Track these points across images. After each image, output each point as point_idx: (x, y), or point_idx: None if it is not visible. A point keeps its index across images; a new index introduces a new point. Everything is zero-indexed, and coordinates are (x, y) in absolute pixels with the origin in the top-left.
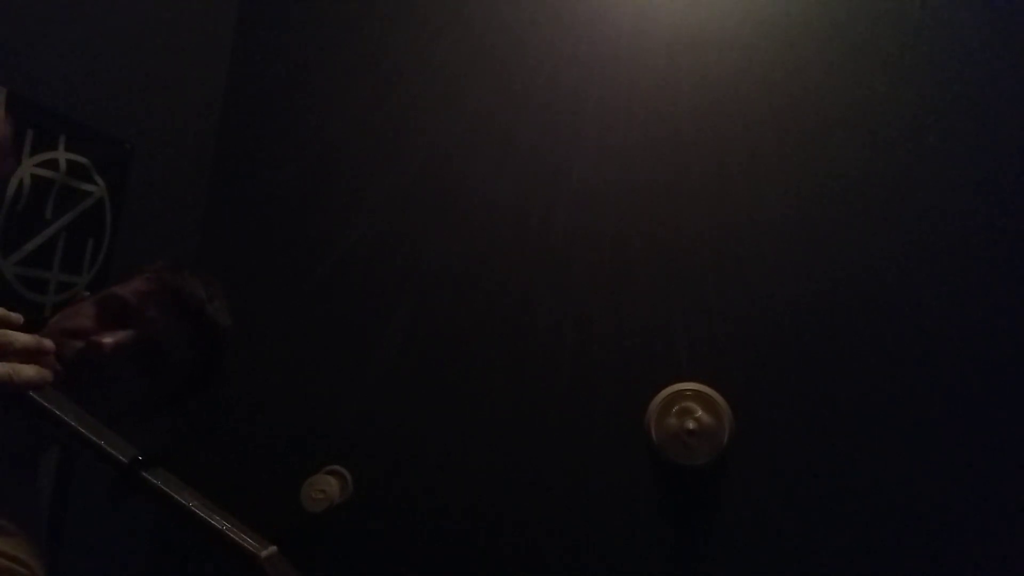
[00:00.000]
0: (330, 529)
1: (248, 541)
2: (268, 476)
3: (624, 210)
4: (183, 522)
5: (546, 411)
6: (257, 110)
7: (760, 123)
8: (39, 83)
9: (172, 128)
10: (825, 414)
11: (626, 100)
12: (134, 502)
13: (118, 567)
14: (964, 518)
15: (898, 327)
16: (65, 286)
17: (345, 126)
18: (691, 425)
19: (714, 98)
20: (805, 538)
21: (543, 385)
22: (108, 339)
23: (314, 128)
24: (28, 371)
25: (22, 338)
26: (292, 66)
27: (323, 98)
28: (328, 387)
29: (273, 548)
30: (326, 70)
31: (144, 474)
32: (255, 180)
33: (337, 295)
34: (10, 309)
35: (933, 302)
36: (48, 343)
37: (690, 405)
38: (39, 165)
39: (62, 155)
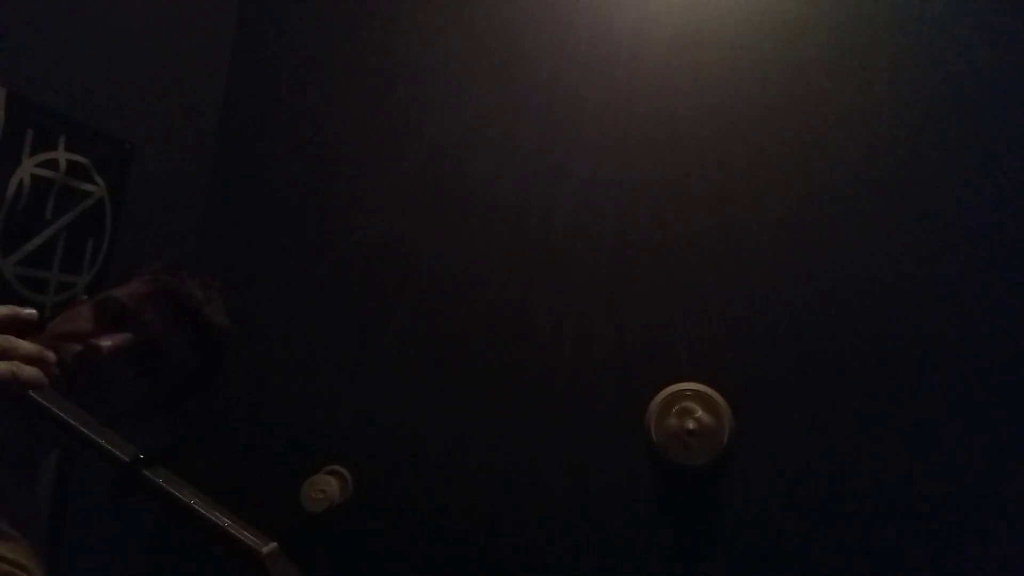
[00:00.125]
0: (330, 529)
1: (249, 538)
2: (268, 476)
3: (624, 210)
4: (184, 520)
5: (546, 411)
6: (257, 110)
7: (760, 123)
8: (39, 83)
9: (172, 128)
10: (825, 414)
11: (626, 100)
12: (134, 501)
13: (118, 567)
14: (964, 518)
15: (898, 327)
16: (65, 286)
17: (345, 126)
18: (691, 425)
19: (714, 98)
20: (805, 538)
21: (543, 385)
22: (106, 342)
23: (314, 128)
24: (30, 371)
25: (25, 346)
26: (292, 66)
27: (323, 98)
28: (328, 387)
29: (274, 544)
30: (326, 70)
31: (145, 472)
32: (255, 180)
33: (337, 295)
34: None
35: (933, 302)
36: (50, 354)
37: (690, 405)
38: (39, 165)
39: (62, 155)
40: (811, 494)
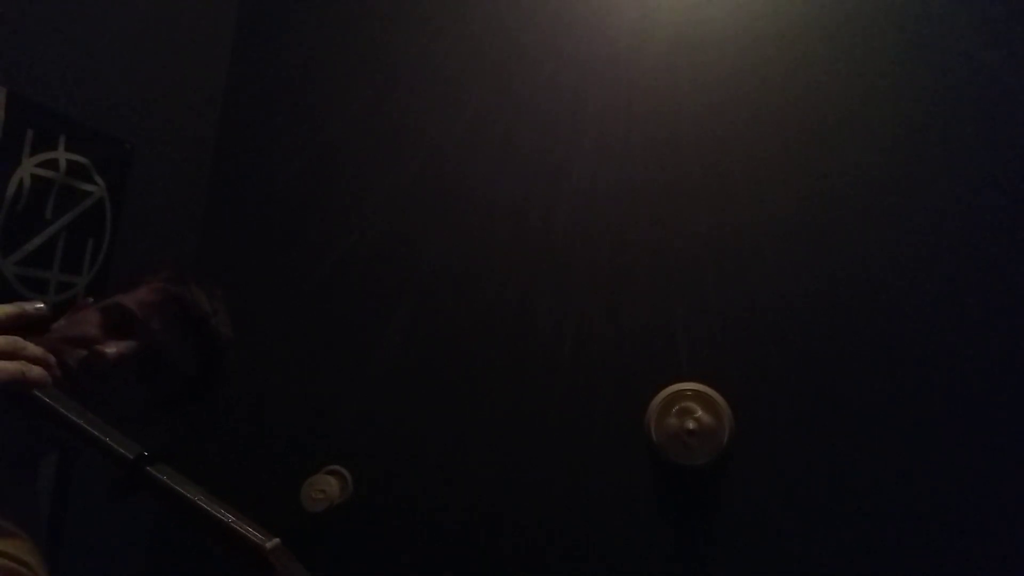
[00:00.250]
0: (330, 529)
1: (253, 533)
2: (268, 476)
3: (624, 210)
4: (188, 517)
5: (546, 411)
6: (257, 110)
7: (760, 123)
8: (39, 83)
9: (172, 128)
10: (825, 414)
11: (626, 100)
12: (135, 500)
13: (118, 567)
14: (964, 518)
15: (898, 327)
16: (65, 286)
17: (345, 126)
18: (691, 425)
19: (714, 98)
20: (805, 538)
21: (543, 385)
22: (112, 349)
23: (314, 128)
24: (37, 371)
25: (31, 348)
26: (292, 66)
27: (323, 98)
28: (328, 387)
29: (277, 540)
30: (326, 70)
31: (150, 470)
32: (255, 180)
33: (337, 295)
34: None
35: (933, 302)
36: (51, 358)
37: (690, 405)
38: (39, 165)
39: (62, 155)
40: (811, 494)
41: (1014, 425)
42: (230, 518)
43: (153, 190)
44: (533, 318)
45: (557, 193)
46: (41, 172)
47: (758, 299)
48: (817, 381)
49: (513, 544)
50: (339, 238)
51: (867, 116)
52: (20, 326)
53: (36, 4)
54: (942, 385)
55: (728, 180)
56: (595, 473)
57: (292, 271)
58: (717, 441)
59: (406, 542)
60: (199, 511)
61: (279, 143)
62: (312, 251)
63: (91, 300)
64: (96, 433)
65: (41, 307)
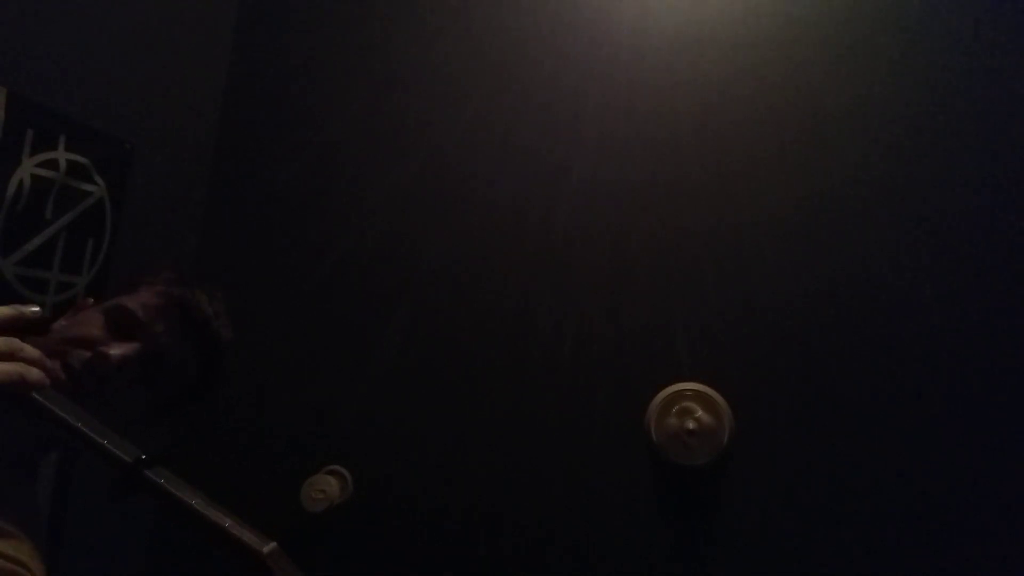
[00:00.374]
0: (330, 529)
1: (250, 537)
2: (268, 476)
3: (624, 210)
4: (186, 520)
5: (546, 411)
6: (257, 110)
7: (760, 123)
8: (39, 83)
9: (172, 128)
10: (825, 414)
11: (626, 100)
12: (135, 501)
13: (118, 567)
14: (964, 518)
15: (898, 327)
16: (65, 286)
17: (345, 126)
18: (691, 425)
19: (714, 98)
20: (805, 538)
21: (543, 385)
22: (115, 351)
23: (314, 128)
24: (36, 372)
25: (29, 348)
26: (292, 66)
27: (323, 98)
28: (328, 387)
29: (274, 544)
30: (326, 70)
31: (147, 473)
32: (255, 180)
33: (337, 295)
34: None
35: (933, 302)
36: (48, 362)
37: (690, 405)
38: (39, 165)
39: (62, 155)
40: (811, 494)
41: (1014, 425)
42: (227, 522)
43: (153, 190)
44: (533, 318)
45: (557, 193)
46: (41, 172)
47: (758, 299)
48: (817, 381)
49: (513, 544)
50: (339, 238)
51: (867, 116)
52: (18, 328)
53: (36, 4)
54: (942, 385)
55: (728, 180)
56: (595, 473)
57: (292, 271)
58: (717, 441)
59: (406, 542)
60: (197, 515)
61: (279, 143)
62: (312, 251)
63: (91, 301)
64: (94, 436)
65: (37, 310)
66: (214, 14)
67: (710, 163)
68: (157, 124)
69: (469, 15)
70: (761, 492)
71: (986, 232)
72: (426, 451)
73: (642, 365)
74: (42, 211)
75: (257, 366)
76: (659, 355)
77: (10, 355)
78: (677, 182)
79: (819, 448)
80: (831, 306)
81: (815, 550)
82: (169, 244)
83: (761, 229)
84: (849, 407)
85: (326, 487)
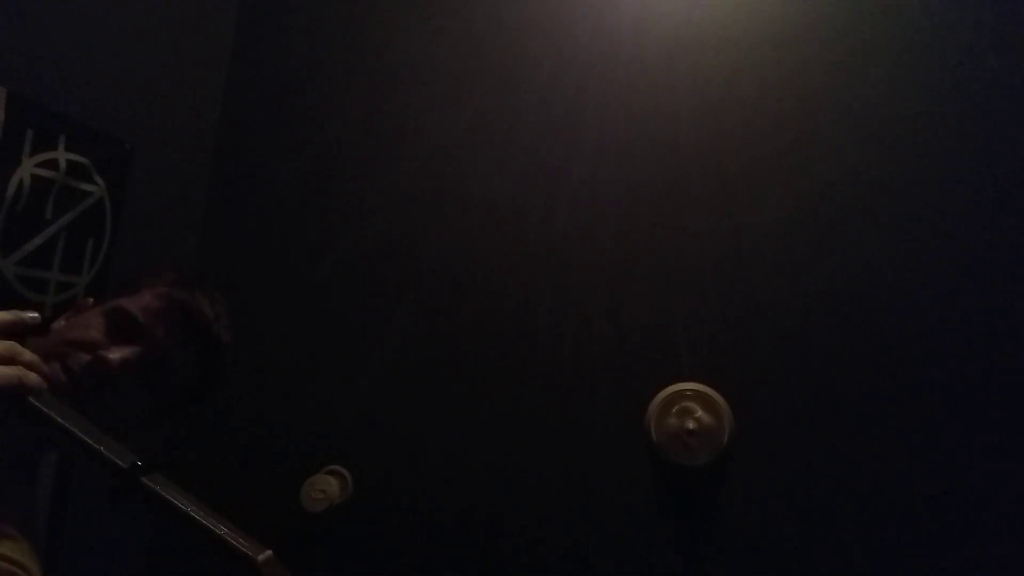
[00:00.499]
0: (330, 529)
1: (245, 545)
2: (268, 476)
3: (624, 210)
4: (181, 527)
5: (546, 411)
6: (257, 110)
7: (760, 123)
8: (39, 83)
9: (172, 128)
10: (825, 414)
11: (626, 100)
12: (133, 504)
13: (118, 567)
14: (964, 518)
15: (898, 327)
16: (65, 286)
17: (345, 126)
18: (691, 425)
19: (714, 98)
20: (805, 538)
21: (543, 385)
22: (116, 355)
23: (314, 128)
24: (34, 376)
25: (28, 354)
26: (292, 66)
27: (323, 98)
28: (328, 387)
29: (269, 552)
30: (326, 70)
31: (143, 479)
32: (255, 180)
33: (337, 295)
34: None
35: (933, 302)
36: (45, 368)
37: (690, 405)
38: (39, 165)
39: (62, 155)
40: (811, 494)
41: (1014, 425)
42: (223, 529)
43: (153, 190)
44: (533, 318)
45: (557, 193)
46: (41, 172)
47: (758, 299)
48: (817, 381)
49: (513, 544)
50: (339, 238)
51: (867, 116)
52: (16, 332)
53: (36, 4)
54: (942, 385)
55: (728, 180)
56: (595, 473)
57: (292, 271)
58: (717, 441)
59: (406, 542)
60: (192, 522)
61: (279, 143)
62: (312, 251)
63: (91, 301)
64: (90, 441)
65: (36, 316)
66: (214, 14)
67: (710, 163)
68: (157, 124)
69: (469, 15)
70: (761, 492)
71: (986, 232)
72: (426, 451)
73: (642, 365)
74: (42, 211)
75: (257, 366)
76: (659, 355)
77: (10, 359)
78: (677, 182)
79: (819, 448)
80: (831, 306)
81: (815, 550)
82: (169, 244)
83: (761, 229)
84: (849, 407)
85: (326, 487)
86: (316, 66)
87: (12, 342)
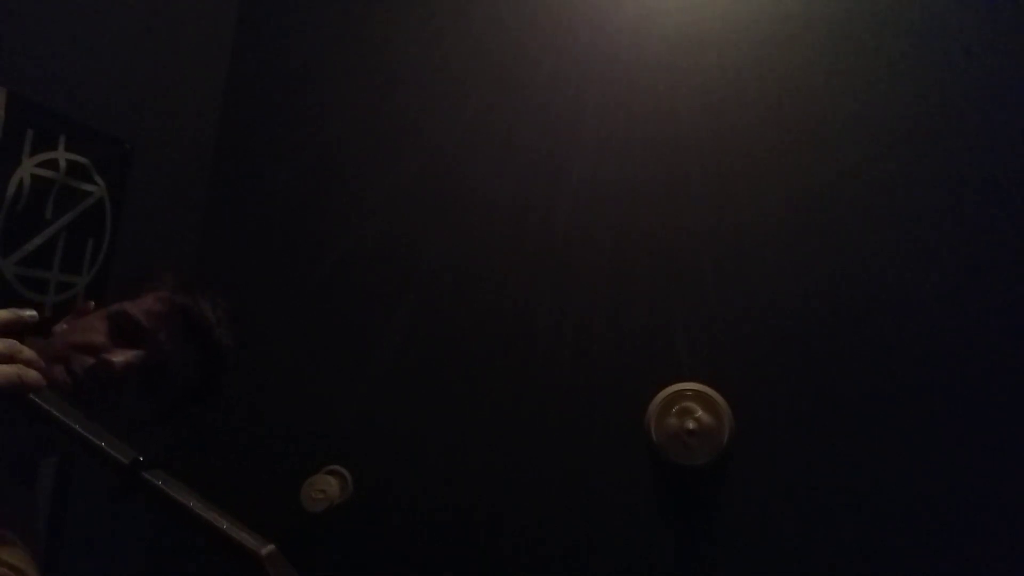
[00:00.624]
0: (330, 529)
1: (248, 539)
2: (268, 476)
3: (624, 210)
4: (183, 523)
5: (546, 411)
6: (257, 110)
7: (760, 123)
8: (39, 83)
9: (172, 128)
10: (825, 414)
11: (626, 100)
12: (134, 502)
13: (118, 567)
14: (964, 518)
15: (898, 327)
16: (65, 286)
17: (345, 126)
18: (691, 425)
19: (714, 98)
20: (805, 538)
21: (543, 385)
22: (119, 358)
23: (314, 128)
24: (34, 374)
25: (27, 352)
26: (292, 66)
27: (323, 98)
28: (328, 387)
29: (272, 546)
30: (326, 70)
31: (145, 475)
32: (255, 180)
33: (337, 295)
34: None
35: (933, 302)
36: (43, 364)
37: (690, 405)
38: (39, 165)
39: (62, 155)
40: (811, 494)
41: (1014, 425)
42: (225, 524)
43: (153, 190)
44: (533, 318)
45: (557, 193)
46: (41, 172)
47: (758, 299)
48: (817, 381)
49: (513, 544)
50: (339, 238)
51: (867, 116)
52: (15, 331)
53: (36, 4)
54: (942, 385)
55: (728, 180)
56: (595, 473)
57: (292, 271)
58: (717, 441)
59: (406, 542)
60: (194, 517)
61: (279, 143)
62: (312, 251)
63: (93, 305)
64: (91, 438)
65: (35, 314)
66: (214, 14)
67: (710, 163)
68: (157, 124)
69: (469, 15)
70: (761, 492)
71: (986, 232)
72: (426, 451)
73: (642, 365)
74: (42, 211)
75: (257, 366)
76: (659, 355)
77: (9, 357)
78: (677, 182)
79: (819, 448)
80: (831, 306)
81: (815, 550)
82: (169, 244)
83: (761, 229)
84: (849, 407)
85: (326, 487)
86: (316, 66)
87: (12, 340)
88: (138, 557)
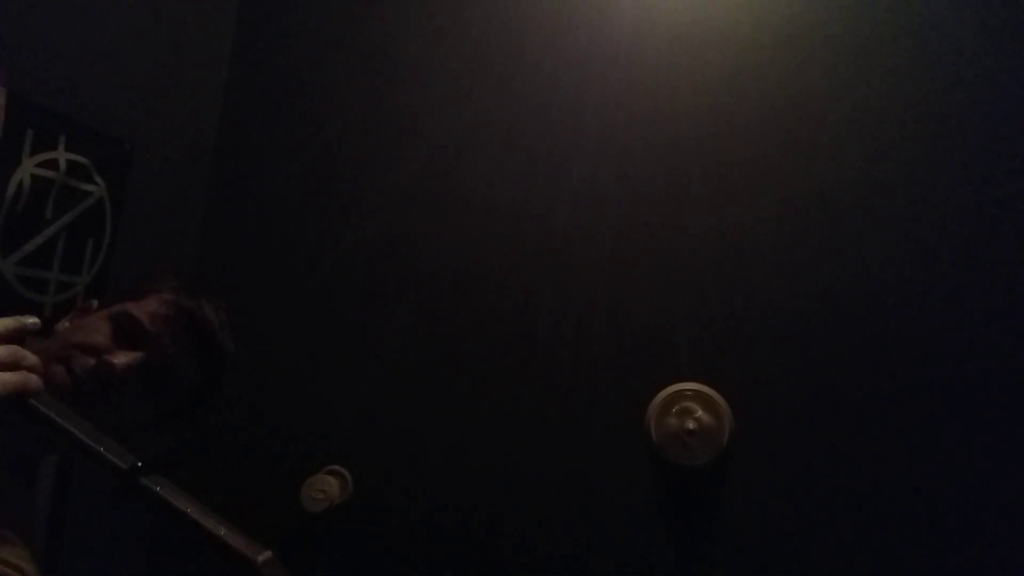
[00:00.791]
0: (330, 529)
1: (245, 546)
2: (268, 476)
3: (624, 210)
4: (182, 527)
5: (546, 411)
6: (257, 110)
7: (760, 123)
8: (39, 83)
9: (172, 128)
10: (825, 414)
11: (626, 100)
12: (134, 506)
13: (118, 567)
14: (964, 518)
15: (898, 327)
16: (65, 286)
17: (345, 126)
18: (691, 425)
19: (714, 98)
20: (805, 538)
21: (543, 385)
22: (121, 360)
23: (314, 128)
24: (34, 379)
25: (31, 358)
26: (292, 66)
27: (323, 98)
28: (328, 387)
29: (268, 553)
30: (326, 70)
31: (143, 480)
32: (255, 180)
33: (337, 295)
34: (10, 309)
35: (933, 302)
36: (43, 369)
37: (690, 405)
38: (39, 165)
39: (62, 155)
40: (811, 494)
41: (1014, 425)
42: (222, 530)
43: (153, 190)
44: (533, 318)
45: (557, 193)
46: (41, 172)
47: (758, 299)
48: (817, 381)
49: (513, 544)
50: (339, 238)
51: (867, 116)
52: (19, 338)
53: (36, 4)
54: (942, 385)
55: (728, 180)
56: (595, 473)
57: (292, 271)
58: (717, 441)
59: (406, 542)
60: (192, 523)
61: (279, 143)
62: (312, 251)
63: (95, 303)
64: (89, 442)
65: (37, 322)
66: (214, 14)
67: (710, 163)
68: (157, 124)
69: (469, 15)
70: (761, 492)
71: (986, 232)
72: (426, 451)
73: (642, 365)
74: (42, 211)
75: (257, 366)
76: (659, 355)
77: (14, 364)
78: (677, 182)
79: (819, 448)
80: (831, 306)
81: (815, 550)
82: (169, 244)
83: (761, 229)
84: (849, 407)
85: (326, 487)
86: (316, 66)
87: (15, 346)
88: (138, 557)
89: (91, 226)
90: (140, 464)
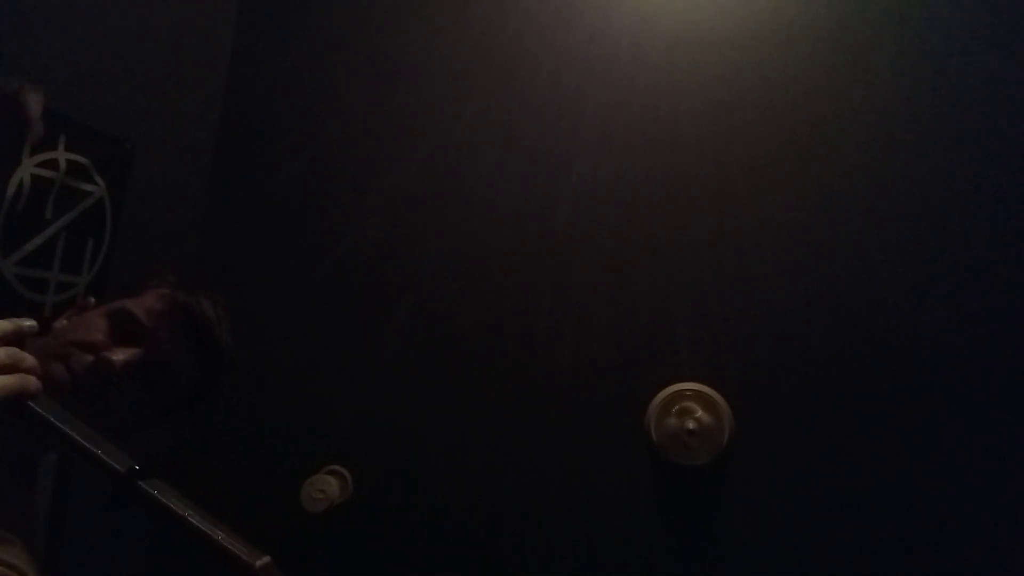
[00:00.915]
0: (330, 529)
1: (243, 551)
2: (268, 476)
3: (624, 210)
4: (180, 531)
5: (546, 411)
6: (257, 110)
7: (760, 123)
8: (39, 83)
9: (172, 128)
10: (825, 414)
11: (626, 100)
12: (132, 509)
13: (118, 567)
14: (964, 518)
15: (898, 327)
16: (65, 286)
17: (345, 126)
18: (691, 425)
19: (714, 98)
20: (805, 538)
21: (543, 385)
22: (119, 357)
23: (314, 128)
24: (34, 382)
25: (29, 360)
26: (292, 66)
27: (323, 98)
28: (328, 387)
29: (267, 558)
30: (326, 70)
31: (141, 484)
32: (255, 180)
33: (337, 295)
34: (10, 309)
35: (933, 302)
36: (41, 370)
37: (690, 405)
38: (39, 165)
39: (62, 155)
40: (811, 494)
41: (1014, 425)
42: (220, 535)
43: (153, 190)
44: (533, 318)
45: (557, 193)
46: (41, 172)
47: (758, 299)
48: (817, 381)
49: (513, 544)
50: (339, 238)
51: (867, 116)
52: (17, 340)
53: (36, 5)
54: (942, 385)
55: (728, 180)
56: (595, 473)
57: (292, 271)
58: (717, 441)
59: (406, 542)
60: (189, 527)
61: (279, 143)
62: (312, 251)
63: (93, 301)
64: (88, 445)
65: (34, 325)
66: (214, 14)
67: (710, 163)
68: (157, 124)
69: (469, 15)
70: (761, 492)
71: (986, 232)
72: (426, 451)
73: (642, 365)
74: (42, 211)
75: (257, 366)
76: (659, 355)
77: (13, 367)
78: (677, 182)
79: (819, 448)
80: (831, 306)
81: (815, 550)
82: (169, 244)
83: (761, 229)
84: (849, 407)
85: (326, 487)
86: (316, 66)
87: (14, 349)
88: (138, 557)
89: (91, 226)
90: (138, 467)
